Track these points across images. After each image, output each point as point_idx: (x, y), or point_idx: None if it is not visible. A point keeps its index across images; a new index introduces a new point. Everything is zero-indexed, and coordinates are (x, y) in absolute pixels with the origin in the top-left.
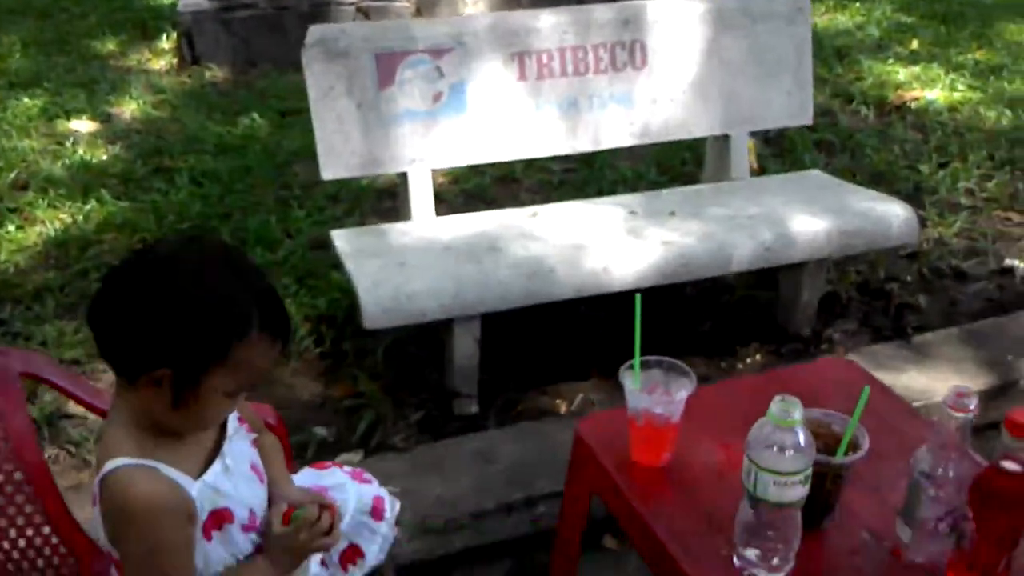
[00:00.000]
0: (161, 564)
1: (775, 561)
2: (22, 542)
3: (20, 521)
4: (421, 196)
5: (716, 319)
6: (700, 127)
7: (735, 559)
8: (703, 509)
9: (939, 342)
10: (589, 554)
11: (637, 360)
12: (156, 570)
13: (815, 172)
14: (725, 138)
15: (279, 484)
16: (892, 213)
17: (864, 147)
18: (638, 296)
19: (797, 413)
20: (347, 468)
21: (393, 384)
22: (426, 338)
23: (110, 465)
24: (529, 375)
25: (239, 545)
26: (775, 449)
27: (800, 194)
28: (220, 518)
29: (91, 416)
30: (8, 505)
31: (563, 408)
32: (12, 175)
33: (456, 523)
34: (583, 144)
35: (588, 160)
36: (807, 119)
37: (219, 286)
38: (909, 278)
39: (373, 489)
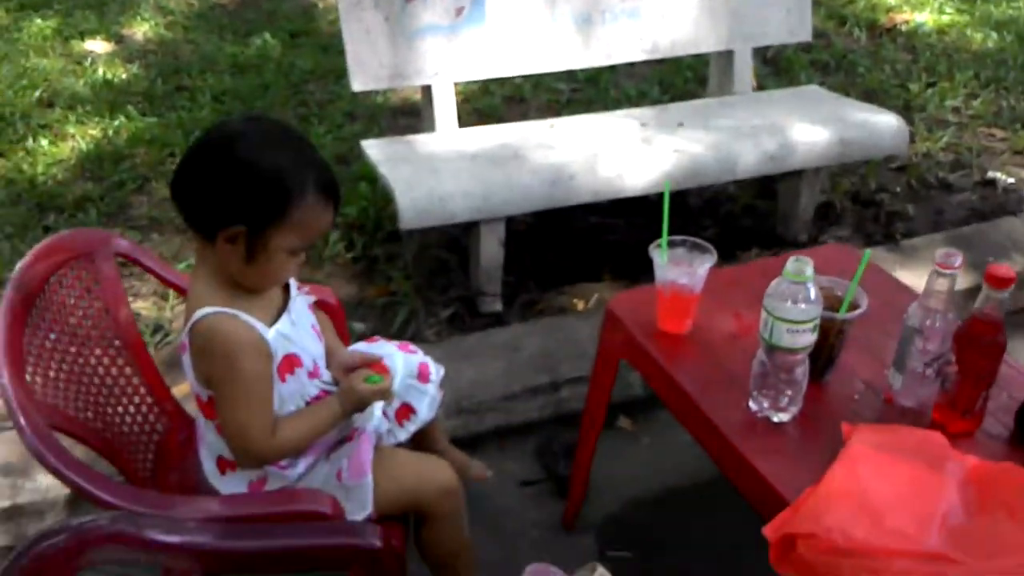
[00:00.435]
0: (249, 389)
1: (784, 403)
2: (131, 408)
3: (124, 385)
4: (444, 108)
5: (719, 226)
6: (706, 43)
7: (750, 404)
8: (721, 367)
9: (925, 246)
10: (606, 433)
11: (665, 238)
12: (243, 397)
13: (813, 87)
14: (729, 54)
15: (335, 350)
16: (885, 124)
17: (857, 67)
18: (667, 183)
19: (809, 270)
20: (393, 342)
21: (423, 285)
22: (451, 244)
23: (198, 314)
24: (547, 278)
25: (306, 388)
26: (789, 302)
27: (800, 107)
28: (291, 363)
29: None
30: (114, 369)
31: (580, 306)
32: (36, 93)
33: (487, 405)
34: (596, 58)
35: (594, 80)
36: (806, 36)
37: (279, 155)
38: (898, 189)
39: (418, 357)
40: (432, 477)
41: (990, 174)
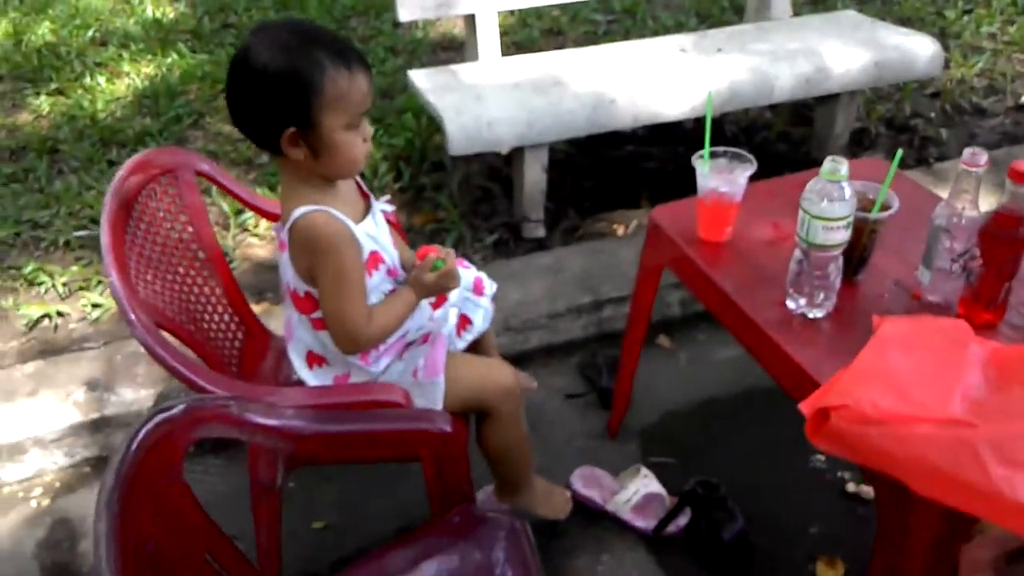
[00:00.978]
0: (348, 279)
1: (820, 299)
2: (215, 316)
3: (209, 295)
4: (488, 37)
5: (755, 152)
6: None
7: (787, 302)
8: (759, 270)
9: (957, 168)
10: (646, 350)
11: (707, 148)
12: (343, 285)
13: (850, 12)
14: None
15: (403, 256)
16: (921, 47)
17: None
18: (710, 94)
19: (844, 169)
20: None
21: (468, 213)
22: (493, 173)
23: (296, 212)
24: (587, 205)
25: (385, 284)
26: (824, 200)
27: (836, 31)
28: (376, 259)
29: None
30: (200, 280)
31: (620, 231)
32: (90, 33)
33: (532, 323)
34: None
35: (630, 11)
36: None
37: (286, 48)
38: (932, 114)
39: (473, 272)
40: (495, 378)
41: (1023, 99)
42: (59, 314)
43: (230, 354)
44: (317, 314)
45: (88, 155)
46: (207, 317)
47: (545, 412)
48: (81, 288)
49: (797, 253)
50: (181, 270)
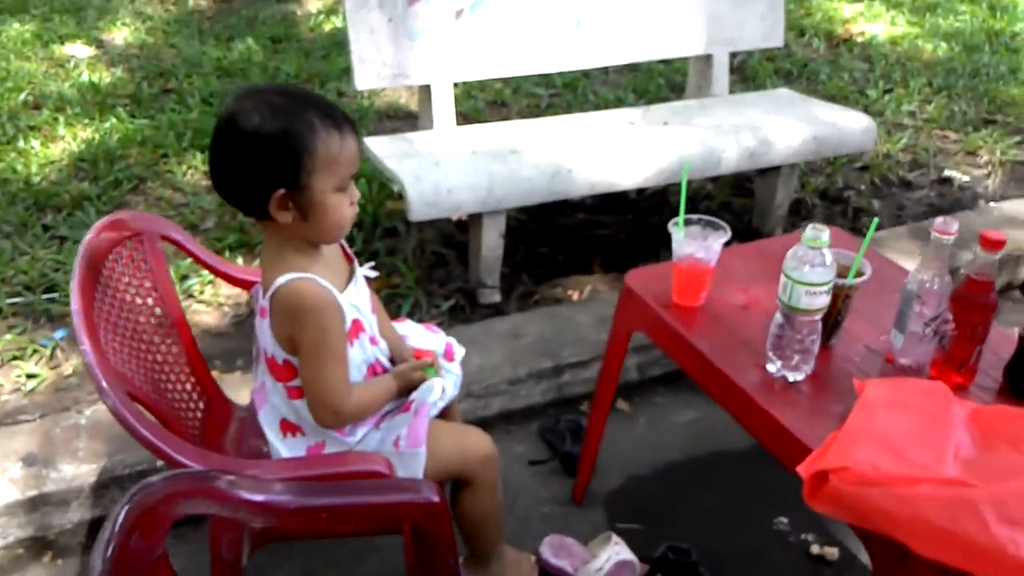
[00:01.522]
0: (331, 350)
1: (800, 363)
2: (178, 384)
3: (172, 363)
4: (443, 106)
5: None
6: (688, 47)
7: (767, 366)
8: (735, 334)
9: (891, 238)
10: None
11: (682, 215)
12: (326, 352)
13: (784, 90)
14: (708, 58)
15: (383, 323)
16: (855, 122)
17: (818, 74)
18: (687, 163)
19: (825, 236)
20: (419, 324)
21: (423, 279)
22: (447, 239)
23: (280, 280)
24: (541, 271)
25: (367, 352)
26: (807, 266)
27: (774, 107)
28: (357, 327)
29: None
30: (163, 347)
31: (575, 296)
32: (22, 96)
33: (494, 388)
34: (586, 61)
35: (571, 85)
36: (778, 41)
37: (276, 111)
38: (863, 187)
39: (442, 337)
40: (476, 445)
41: (946, 173)
42: None
43: (192, 424)
44: (295, 383)
45: (22, 219)
46: (170, 386)
47: (509, 479)
48: (15, 358)
49: (778, 317)
50: (146, 338)
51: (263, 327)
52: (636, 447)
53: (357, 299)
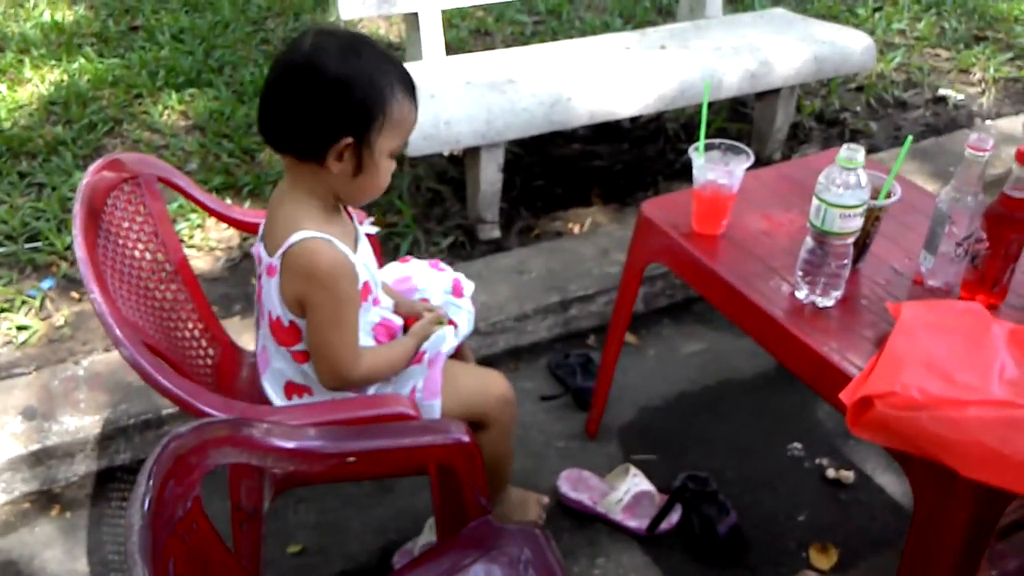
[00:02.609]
0: (343, 314)
1: (828, 289)
2: (187, 332)
3: (179, 310)
4: (432, 35)
5: None
6: None
7: (797, 292)
8: (759, 260)
9: (889, 159)
10: None
11: (702, 139)
12: (337, 319)
13: (780, 10)
14: None
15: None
16: (854, 41)
17: None
18: (707, 83)
19: (861, 156)
20: (424, 260)
21: (420, 217)
22: (442, 176)
23: (296, 236)
24: (539, 204)
25: (371, 315)
26: (842, 188)
27: (773, 28)
28: (367, 290)
29: None
30: (169, 294)
31: (576, 229)
32: None
33: (501, 325)
34: None
35: (554, 11)
36: None
37: (363, 61)
38: (859, 108)
39: (450, 274)
40: (495, 387)
41: (940, 92)
42: None
43: (205, 372)
44: (299, 347)
45: None
46: (178, 333)
47: (520, 416)
48: (3, 310)
49: (808, 242)
50: (151, 284)
51: (270, 286)
52: (646, 379)
53: (367, 259)
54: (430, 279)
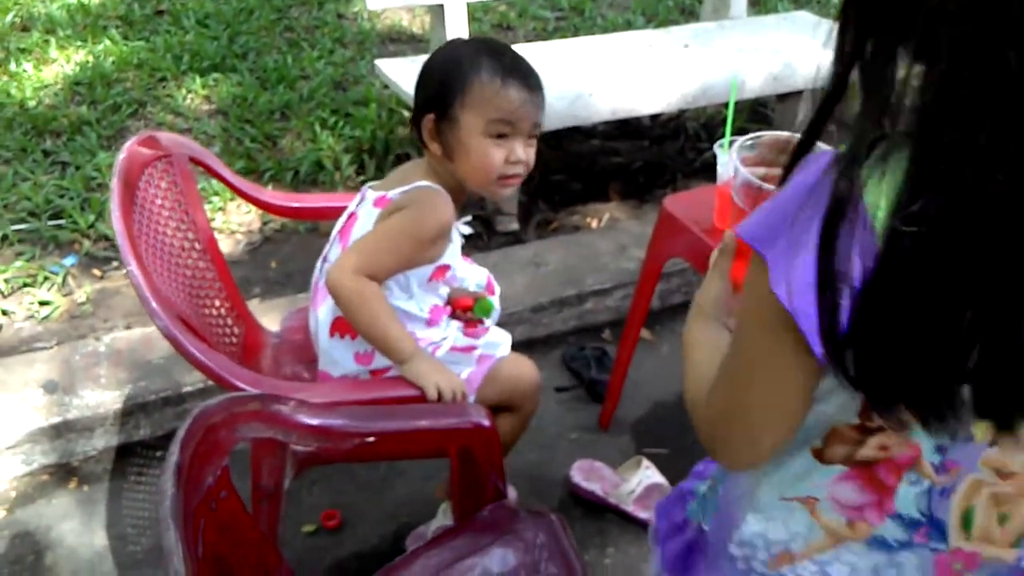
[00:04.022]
0: (400, 244)
1: None
2: (213, 310)
3: (208, 288)
4: (457, 27)
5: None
6: None
7: None
8: None
9: None
10: None
11: (728, 136)
12: (389, 240)
13: (803, 13)
14: None
15: None
16: None
17: None
18: (734, 80)
19: None
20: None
21: None
22: None
23: (423, 183)
24: (558, 198)
25: (439, 290)
26: None
27: (796, 30)
28: (443, 271)
29: None
30: (198, 271)
31: (593, 224)
32: (9, 17)
33: (517, 317)
34: None
35: (577, 8)
36: None
37: (459, 49)
38: None
39: (484, 270)
40: (528, 375)
41: None
42: (3, 313)
43: (231, 349)
44: None
45: (20, 144)
46: (207, 311)
47: None
48: (26, 285)
49: None
50: (181, 261)
51: (369, 217)
52: (660, 375)
53: (456, 249)
54: (468, 271)
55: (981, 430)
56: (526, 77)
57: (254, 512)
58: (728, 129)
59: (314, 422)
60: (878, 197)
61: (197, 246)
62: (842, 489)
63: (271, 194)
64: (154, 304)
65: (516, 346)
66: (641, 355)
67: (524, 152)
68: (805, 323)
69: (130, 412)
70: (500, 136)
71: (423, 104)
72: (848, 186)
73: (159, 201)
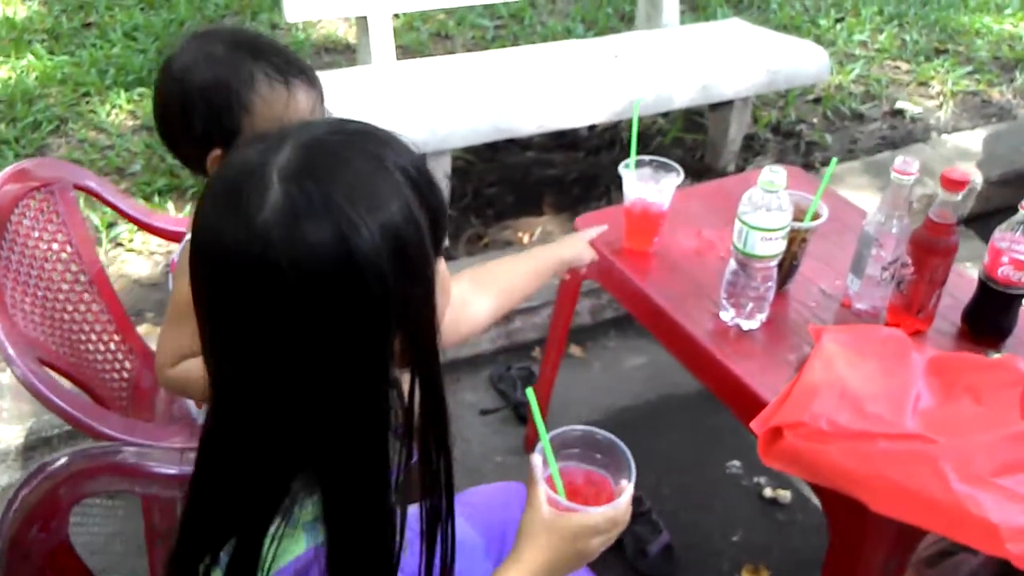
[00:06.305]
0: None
1: (754, 311)
2: (101, 345)
3: (93, 322)
4: (382, 40)
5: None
6: None
7: (721, 314)
8: (688, 281)
9: (845, 173)
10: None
11: (632, 156)
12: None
13: (736, 20)
14: None
15: None
16: (809, 54)
17: (769, 3)
18: (637, 101)
19: (781, 179)
20: None
21: None
22: None
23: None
24: (489, 213)
25: None
26: (763, 210)
27: (726, 39)
28: None
29: None
30: (82, 306)
31: (526, 239)
32: None
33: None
34: None
35: (517, 16)
36: None
37: (213, 61)
38: (815, 120)
39: None
40: None
41: (898, 104)
42: None
43: (119, 386)
44: None
45: None
46: (91, 347)
47: (460, 429)
48: None
49: (732, 264)
50: (61, 296)
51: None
52: (590, 392)
53: None
54: None
55: None
56: (302, 71)
57: (150, 554)
58: (633, 149)
59: (172, 471)
60: None
61: (82, 278)
62: None
63: (163, 218)
64: (10, 350)
65: (444, 367)
66: (572, 372)
67: None
68: None
69: (33, 447)
70: None
71: (201, 137)
72: None
73: (36, 234)
